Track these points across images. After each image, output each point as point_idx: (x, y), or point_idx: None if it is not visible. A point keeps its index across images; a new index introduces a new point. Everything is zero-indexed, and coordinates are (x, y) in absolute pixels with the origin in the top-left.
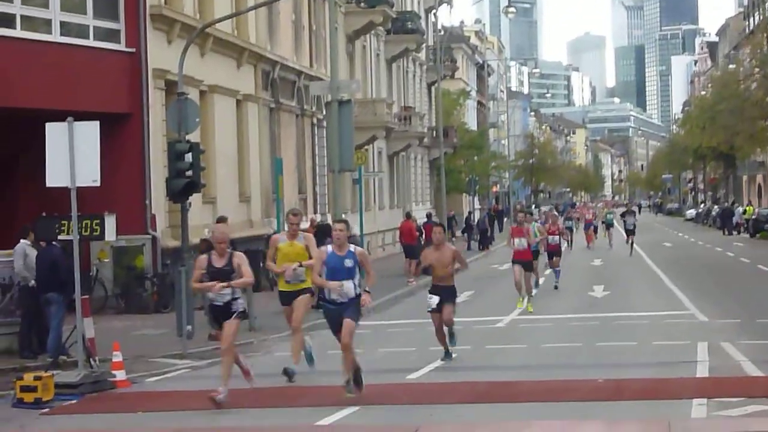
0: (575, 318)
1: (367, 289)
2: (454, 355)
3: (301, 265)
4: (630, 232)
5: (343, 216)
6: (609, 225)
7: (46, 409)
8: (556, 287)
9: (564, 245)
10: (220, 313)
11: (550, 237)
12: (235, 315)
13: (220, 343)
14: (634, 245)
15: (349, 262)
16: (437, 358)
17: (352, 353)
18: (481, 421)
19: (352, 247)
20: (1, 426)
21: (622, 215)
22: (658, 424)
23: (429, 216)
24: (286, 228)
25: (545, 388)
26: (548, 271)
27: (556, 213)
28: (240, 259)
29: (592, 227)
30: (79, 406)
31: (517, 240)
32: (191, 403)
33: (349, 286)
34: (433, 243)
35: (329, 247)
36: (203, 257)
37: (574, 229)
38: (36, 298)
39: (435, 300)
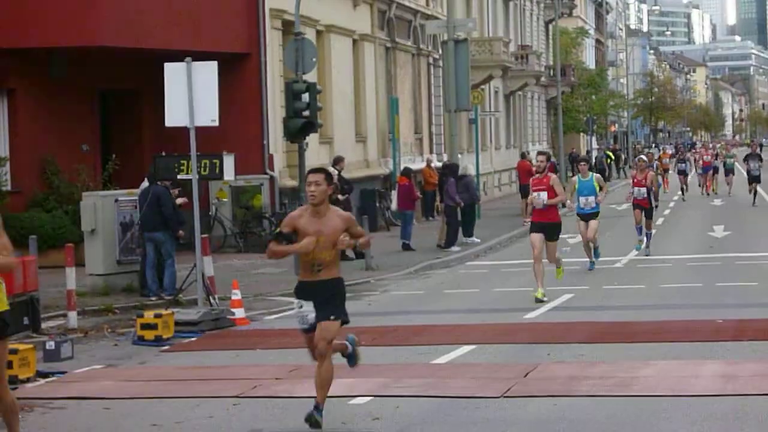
0: (695, 258)
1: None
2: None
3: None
4: (754, 179)
5: (459, 157)
6: (729, 170)
7: (166, 346)
8: (647, 254)
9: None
10: None
11: (636, 189)
12: None
13: None
14: (758, 194)
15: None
16: (556, 298)
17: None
18: (599, 360)
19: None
20: (123, 362)
21: (746, 159)
22: None
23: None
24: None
25: (664, 329)
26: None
27: (644, 159)
28: None
29: (711, 170)
30: (199, 343)
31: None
32: None
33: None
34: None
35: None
36: None
37: (689, 173)
38: (142, 236)
39: None
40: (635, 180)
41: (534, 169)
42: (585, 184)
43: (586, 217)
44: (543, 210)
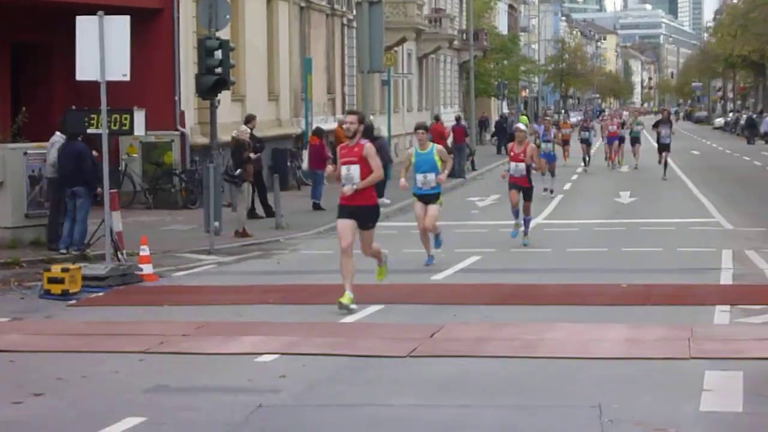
0: (601, 223)
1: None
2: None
3: None
4: (664, 148)
5: (372, 118)
6: (635, 139)
7: (73, 301)
8: (525, 244)
9: (545, 175)
10: None
11: (513, 165)
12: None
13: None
14: (668, 165)
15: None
16: (462, 260)
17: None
18: (504, 321)
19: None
20: (29, 316)
21: (655, 125)
22: (681, 329)
23: (458, 119)
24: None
25: (569, 292)
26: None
27: (522, 128)
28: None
29: (617, 141)
30: (106, 299)
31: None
32: (217, 298)
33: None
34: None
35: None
36: None
37: (593, 143)
38: (62, 191)
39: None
40: (512, 154)
41: (344, 132)
42: (423, 157)
43: (425, 198)
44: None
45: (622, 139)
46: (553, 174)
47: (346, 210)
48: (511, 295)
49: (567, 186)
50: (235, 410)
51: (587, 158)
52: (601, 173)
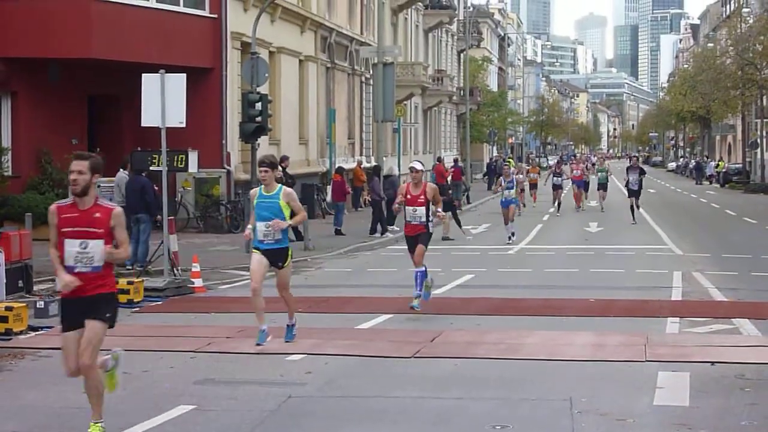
0: (573, 248)
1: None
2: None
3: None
4: (632, 194)
5: (384, 159)
6: (602, 185)
7: (137, 308)
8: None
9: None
10: None
11: (409, 210)
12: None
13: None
14: (637, 211)
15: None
16: (459, 277)
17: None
18: (492, 328)
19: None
20: None
21: (628, 170)
22: (638, 337)
23: (456, 161)
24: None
25: (546, 305)
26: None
27: (417, 167)
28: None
29: (582, 185)
30: (164, 307)
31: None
32: None
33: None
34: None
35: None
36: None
37: (564, 188)
38: (128, 218)
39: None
40: (409, 197)
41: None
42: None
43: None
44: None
45: (586, 185)
46: (512, 220)
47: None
48: (498, 307)
49: (545, 218)
50: (269, 400)
51: (558, 203)
52: (572, 209)
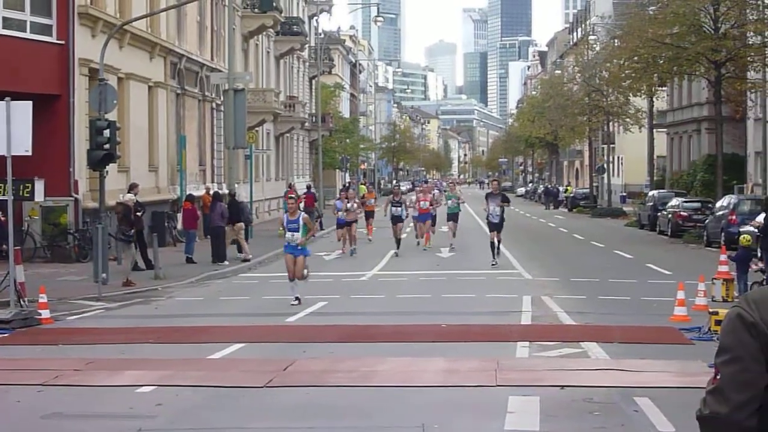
0: (425, 274)
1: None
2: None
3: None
4: (495, 227)
5: (236, 186)
6: (452, 215)
7: None
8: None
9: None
10: None
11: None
12: None
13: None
14: (500, 247)
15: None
16: (312, 305)
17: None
18: (345, 356)
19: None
20: None
21: (487, 197)
22: (489, 362)
23: (308, 187)
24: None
25: (399, 331)
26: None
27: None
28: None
29: (429, 219)
30: (10, 339)
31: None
32: (104, 338)
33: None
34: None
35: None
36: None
37: (404, 219)
38: None
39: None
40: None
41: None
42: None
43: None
44: None
45: (434, 219)
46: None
47: None
48: (351, 334)
49: (379, 266)
50: None
51: (398, 241)
52: (412, 253)
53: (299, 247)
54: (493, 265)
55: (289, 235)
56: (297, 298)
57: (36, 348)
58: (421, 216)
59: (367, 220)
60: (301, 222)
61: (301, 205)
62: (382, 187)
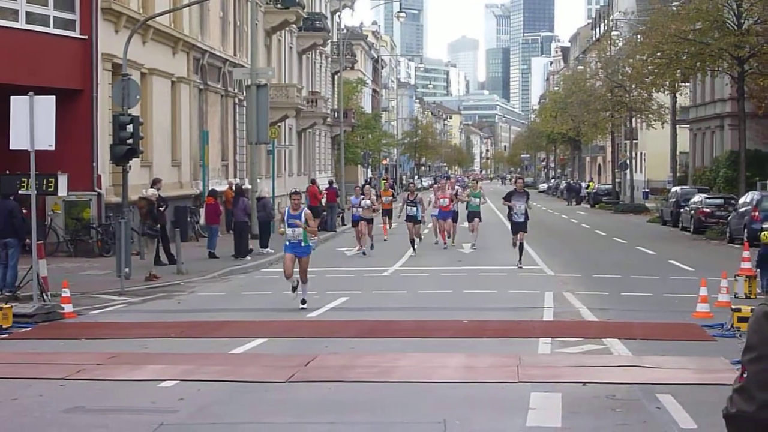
0: (447, 270)
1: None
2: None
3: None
4: (518, 227)
5: (259, 181)
6: (473, 214)
7: (6, 335)
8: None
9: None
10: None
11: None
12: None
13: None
14: (524, 248)
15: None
16: (333, 300)
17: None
18: (366, 352)
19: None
20: None
21: (507, 198)
22: (511, 358)
23: (330, 183)
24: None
25: (420, 327)
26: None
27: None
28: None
29: (450, 216)
30: (33, 333)
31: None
32: (126, 332)
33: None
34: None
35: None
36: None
37: (421, 219)
38: None
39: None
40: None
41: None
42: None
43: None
44: None
45: (456, 215)
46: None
47: None
48: (372, 329)
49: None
50: (140, 428)
51: (415, 240)
52: (434, 249)
53: (303, 245)
54: (519, 267)
55: (289, 231)
56: (303, 301)
57: (59, 342)
58: (442, 214)
59: (383, 218)
60: (303, 218)
61: (323, 200)
62: (403, 181)
